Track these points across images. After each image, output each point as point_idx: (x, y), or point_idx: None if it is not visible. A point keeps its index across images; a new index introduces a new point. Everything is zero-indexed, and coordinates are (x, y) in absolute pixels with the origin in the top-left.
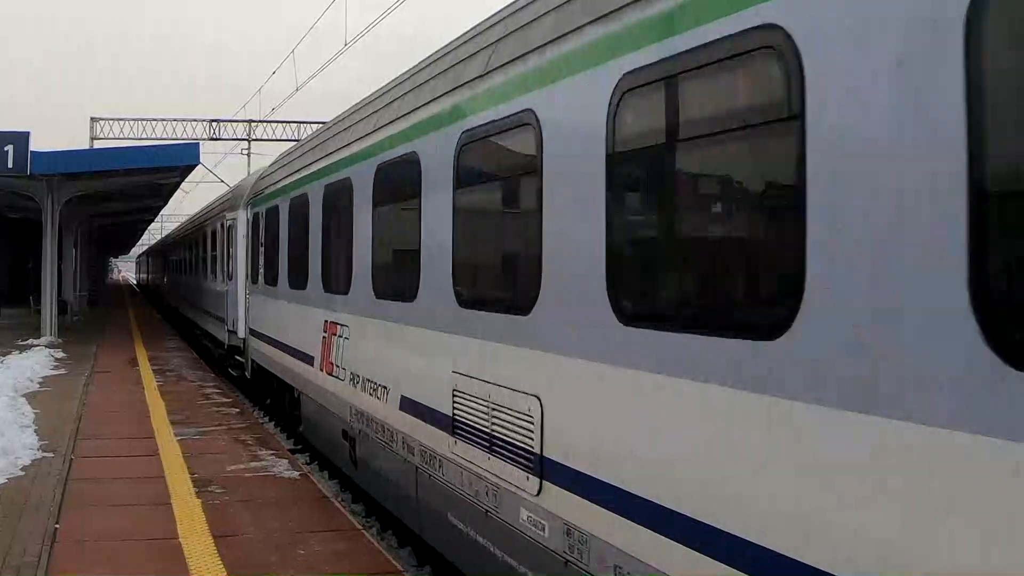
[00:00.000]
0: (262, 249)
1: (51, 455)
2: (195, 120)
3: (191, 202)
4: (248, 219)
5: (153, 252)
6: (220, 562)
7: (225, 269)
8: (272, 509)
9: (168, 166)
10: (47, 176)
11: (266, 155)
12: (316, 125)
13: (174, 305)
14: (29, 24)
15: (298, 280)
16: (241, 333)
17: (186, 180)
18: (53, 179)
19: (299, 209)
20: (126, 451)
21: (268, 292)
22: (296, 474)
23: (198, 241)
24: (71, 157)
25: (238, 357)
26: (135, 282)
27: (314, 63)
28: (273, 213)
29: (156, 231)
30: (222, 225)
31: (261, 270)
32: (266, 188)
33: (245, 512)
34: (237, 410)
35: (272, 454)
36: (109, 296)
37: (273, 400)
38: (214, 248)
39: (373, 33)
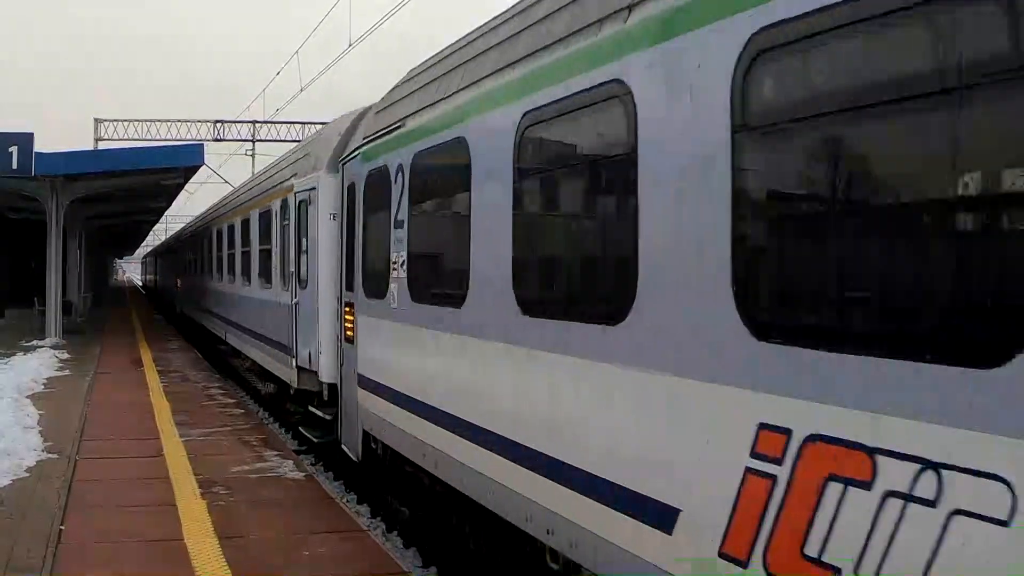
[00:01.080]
0: (399, 234)
1: (55, 456)
2: (199, 121)
3: (195, 203)
4: (343, 188)
5: (162, 251)
6: (225, 563)
7: (291, 271)
8: (277, 510)
9: (172, 167)
10: (51, 177)
11: (270, 155)
12: (320, 125)
13: (192, 316)
14: (33, 25)
15: (589, 301)
16: (327, 376)
17: (190, 181)
18: (57, 180)
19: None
20: (130, 452)
21: (422, 317)
22: (301, 475)
23: (233, 231)
24: (75, 158)
25: (315, 410)
26: (140, 284)
27: (318, 64)
28: (435, 162)
29: (160, 232)
30: (284, 204)
31: (398, 274)
32: (403, 121)
33: (250, 513)
34: (242, 411)
35: (277, 455)
36: (112, 299)
37: (427, 525)
38: (265, 239)
39: (377, 33)
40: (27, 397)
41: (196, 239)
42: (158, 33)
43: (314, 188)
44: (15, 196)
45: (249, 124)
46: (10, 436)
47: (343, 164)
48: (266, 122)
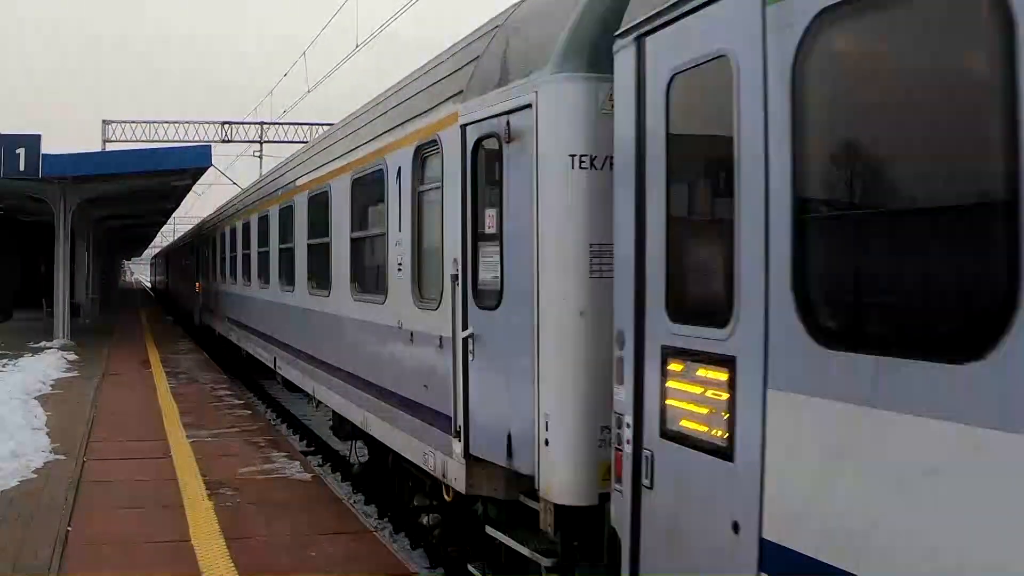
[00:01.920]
0: None
1: (63, 457)
2: (207, 122)
3: (204, 205)
4: (639, 95)
5: (178, 248)
6: (232, 564)
7: (452, 274)
8: (284, 511)
9: (180, 168)
10: (59, 178)
11: (278, 157)
12: (329, 126)
13: (222, 333)
14: (41, 26)
15: None
16: (568, 491)
17: (198, 182)
18: (65, 181)
19: None
20: (138, 453)
21: None
22: (308, 476)
23: (291, 215)
24: (83, 159)
25: (515, 544)
26: (149, 286)
27: (325, 64)
28: None
29: (168, 233)
30: (419, 155)
31: None
32: None
33: (257, 514)
34: (249, 412)
35: (284, 456)
36: (121, 302)
37: None
38: (367, 222)
39: (385, 34)
40: (35, 398)
41: (226, 230)
42: (167, 34)
43: (526, 107)
44: (23, 198)
45: (257, 125)
46: (18, 437)
47: (641, 38)
48: (274, 123)
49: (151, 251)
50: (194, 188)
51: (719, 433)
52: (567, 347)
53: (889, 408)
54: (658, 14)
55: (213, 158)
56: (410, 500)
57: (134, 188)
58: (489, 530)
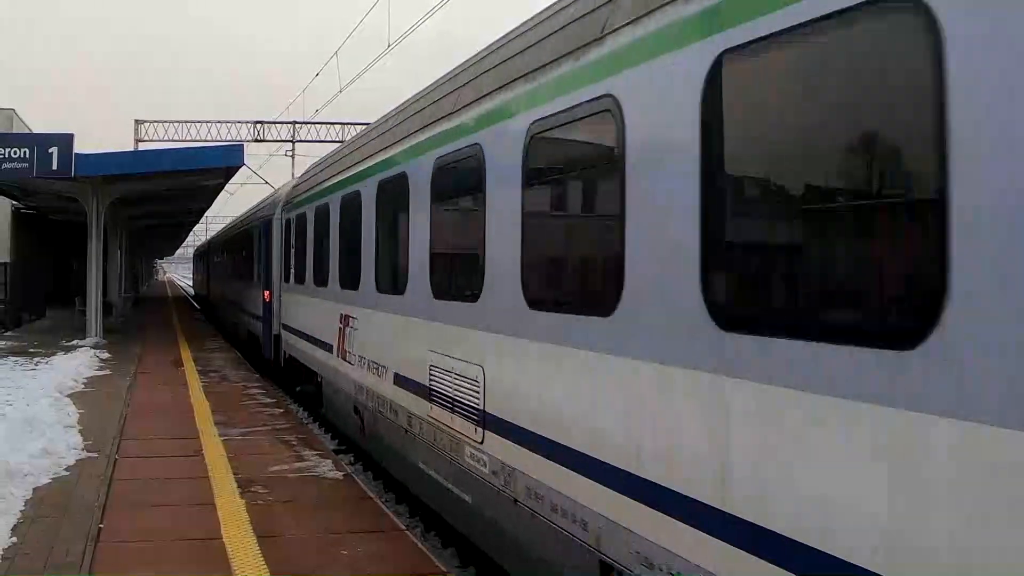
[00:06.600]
0: None
1: (95, 455)
2: (239, 122)
3: (235, 204)
4: None
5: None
6: (263, 562)
7: None
8: (315, 509)
9: (212, 168)
10: (91, 178)
11: (310, 156)
12: (361, 126)
13: None
14: (73, 26)
15: None
16: None
17: (230, 182)
18: (97, 181)
19: None
20: (170, 451)
21: None
22: (340, 474)
23: None
24: (115, 159)
25: None
26: (192, 292)
27: (357, 64)
28: None
29: (200, 232)
30: None
31: None
32: None
33: (288, 512)
34: (281, 410)
35: (316, 454)
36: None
37: None
38: None
39: (417, 34)
40: (67, 396)
41: None
42: (199, 33)
43: None
44: (56, 197)
45: (289, 125)
46: (50, 435)
47: None
48: (306, 123)
49: (184, 250)
50: (226, 187)
51: None
52: None
53: None
54: None
55: (245, 157)
56: None
57: (166, 187)
58: None
